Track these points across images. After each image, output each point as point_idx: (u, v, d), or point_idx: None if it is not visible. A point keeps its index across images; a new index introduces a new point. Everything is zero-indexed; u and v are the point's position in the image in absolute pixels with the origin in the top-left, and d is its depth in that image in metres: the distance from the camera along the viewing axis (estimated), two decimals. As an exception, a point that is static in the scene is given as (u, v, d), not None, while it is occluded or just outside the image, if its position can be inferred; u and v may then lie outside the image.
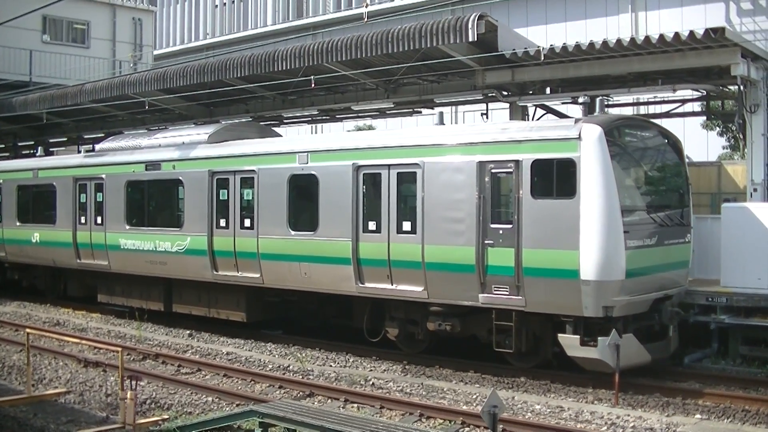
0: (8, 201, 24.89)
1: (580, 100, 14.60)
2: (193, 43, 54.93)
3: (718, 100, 18.95)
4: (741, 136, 18.47)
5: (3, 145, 33.12)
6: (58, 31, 36.22)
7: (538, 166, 13.33)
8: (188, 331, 19.21)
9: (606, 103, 14.75)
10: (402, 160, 15.09)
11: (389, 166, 15.26)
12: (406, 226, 14.90)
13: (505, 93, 18.48)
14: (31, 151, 29.33)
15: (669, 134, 15.10)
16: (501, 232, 13.66)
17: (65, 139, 31.09)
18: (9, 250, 24.86)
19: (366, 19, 21.01)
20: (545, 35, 29.07)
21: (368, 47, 17.38)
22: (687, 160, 15.69)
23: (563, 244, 12.96)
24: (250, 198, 17.59)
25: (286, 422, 10.35)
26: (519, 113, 18.78)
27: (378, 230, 15.28)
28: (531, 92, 18.32)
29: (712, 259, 15.68)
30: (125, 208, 20.53)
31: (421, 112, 22.25)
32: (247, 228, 17.51)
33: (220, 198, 18.19)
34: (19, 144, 31.87)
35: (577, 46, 15.86)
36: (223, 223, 18.06)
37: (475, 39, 15.98)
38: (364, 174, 15.65)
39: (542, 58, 16.21)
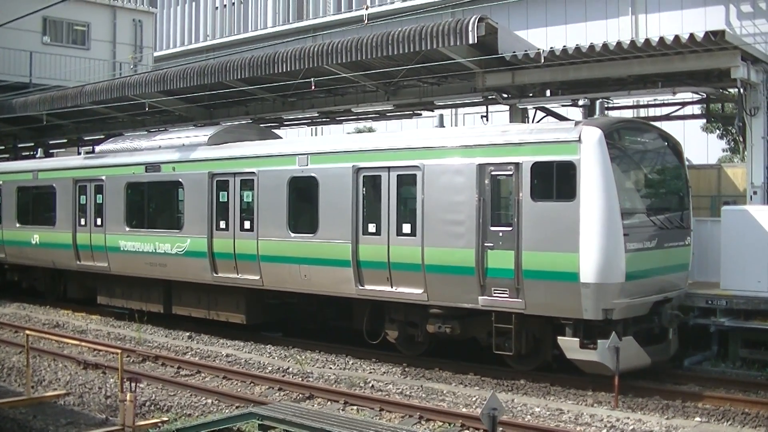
0: (8, 202, 24.88)
1: (580, 102, 14.58)
2: (194, 45, 54.89)
3: (718, 102, 18.92)
4: (741, 139, 18.49)
5: (3, 147, 33.14)
6: (59, 33, 36.18)
7: (538, 168, 13.32)
8: (188, 333, 19.21)
9: (606, 105, 14.76)
10: (402, 163, 15.08)
11: (389, 168, 15.26)
12: (406, 228, 14.89)
13: (505, 95, 18.47)
14: (31, 153, 29.26)
15: (669, 137, 15.09)
16: (501, 234, 13.65)
17: (65, 140, 31.06)
18: (9, 252, 24.85)
19: (366, 22, 21.05)
20: (545, 38, 29.01)
21: (368, 49, 17.38)
22: (687, 163, 15.70)
23: (563, 246, 12.96)
24: (250, 200, 17.59)
25: (286, 424, 10.36)
26: (519, 116, 18.78)
27: (378, 232, 15.27)
28: (531, 95, 18.33)
29: (712, 261, 15.66)
30: (125, 209, 20.53)
31: (421, 114, 22.24)
32: (247, 230, 17.50)
33: (220, 200, 18.19)
34: (19, 145, 31.87)
35: (578, 48, 15.86)
36: (222, 225, 18.06)
37: (476, 41, 15.96)
38: (363, 176, 15.64)
39: (542, 61, 16.21)
